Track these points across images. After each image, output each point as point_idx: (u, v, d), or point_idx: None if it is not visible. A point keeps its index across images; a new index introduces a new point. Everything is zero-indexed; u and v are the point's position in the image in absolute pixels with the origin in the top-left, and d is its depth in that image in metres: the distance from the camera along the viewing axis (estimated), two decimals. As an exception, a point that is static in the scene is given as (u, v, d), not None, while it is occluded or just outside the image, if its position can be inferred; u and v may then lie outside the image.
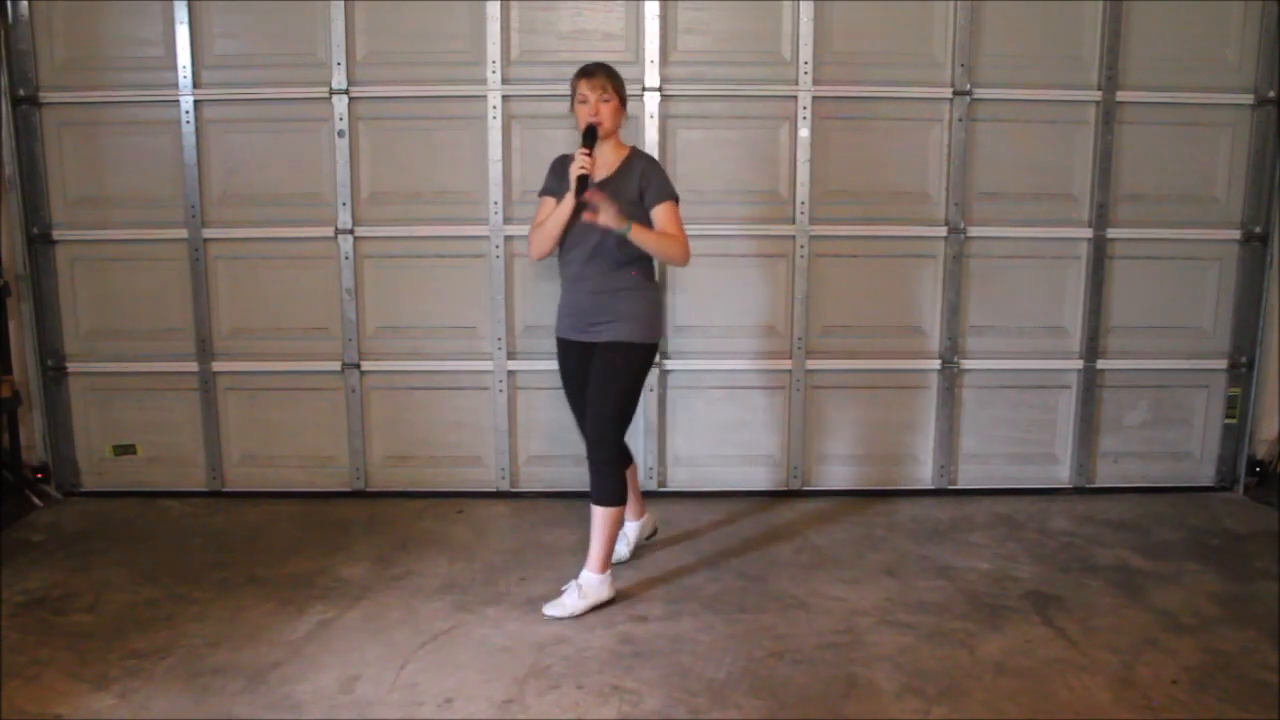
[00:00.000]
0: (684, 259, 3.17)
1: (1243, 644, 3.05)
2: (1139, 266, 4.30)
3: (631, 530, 3.65)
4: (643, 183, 3.16)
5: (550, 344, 4.24)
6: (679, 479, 4.35)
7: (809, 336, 4.27)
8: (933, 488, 4.39)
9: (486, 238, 4.18)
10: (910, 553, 3.76)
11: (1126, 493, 4.39)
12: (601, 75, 3.14)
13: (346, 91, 4.08)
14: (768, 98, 4.12)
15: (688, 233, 3.20)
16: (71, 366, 4.29)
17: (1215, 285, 4.35)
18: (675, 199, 3.18)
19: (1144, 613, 3.27)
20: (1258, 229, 4.27)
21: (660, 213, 3.14)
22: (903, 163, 4.20)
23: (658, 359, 4.11)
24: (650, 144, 4.06)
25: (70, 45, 4.09)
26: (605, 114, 3.12)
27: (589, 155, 3.09)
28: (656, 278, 3.32)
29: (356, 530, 3.97)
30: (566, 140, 4.13)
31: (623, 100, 3.17)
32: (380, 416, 4.33)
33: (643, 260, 3.19)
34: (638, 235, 3.07)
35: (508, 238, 4.18)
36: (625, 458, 3.36)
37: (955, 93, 4.13)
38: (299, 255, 4.22)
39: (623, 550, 3.59)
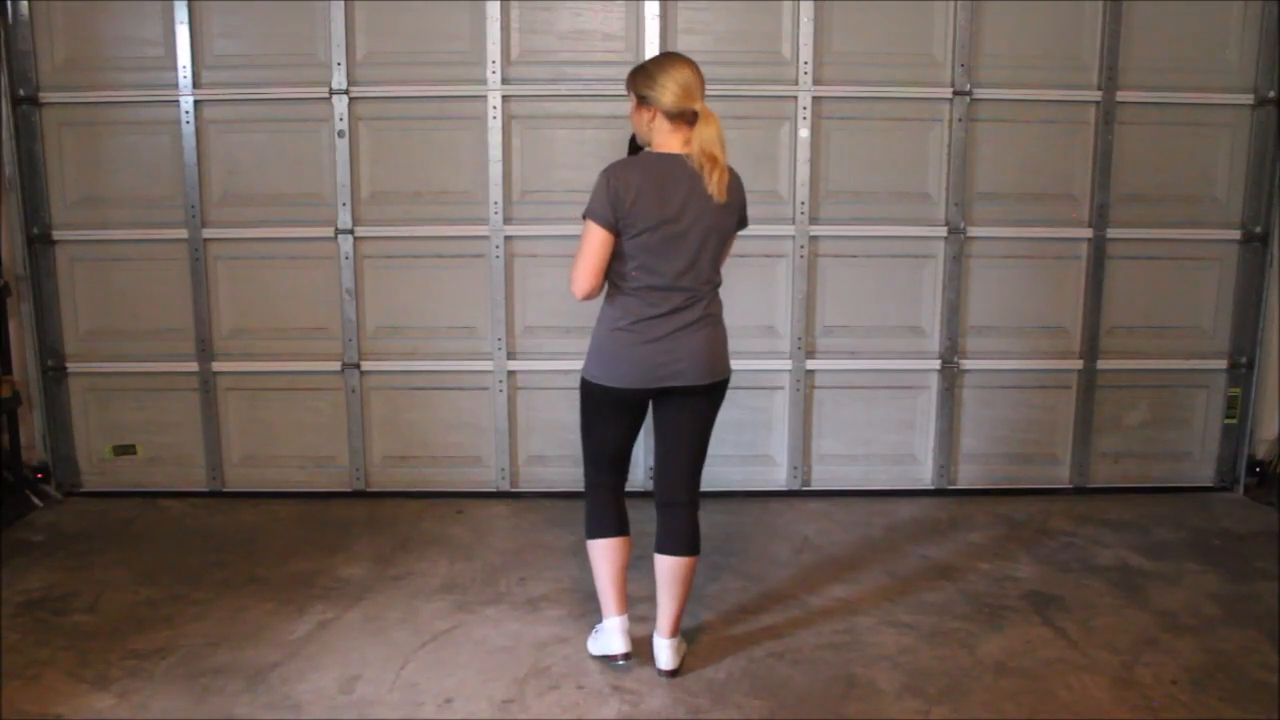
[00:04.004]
0: (572, 292, 2.67)
1: (1243, 644, 3.05)
2: (1139, 266, 4.30)
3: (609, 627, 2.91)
4: None
5: (550, 344, 4.27)
6: (679, 479, 4.35)
7: (809, 336, 4.28)
8: (933, 488, 4.38)
9: (486, 238, 4.18)
10: (910, 553, 3.76)
11: (1126, 493, 4.39)
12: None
13: (346, 91, 4.08)
14: (768, 98, 4.12)
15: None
16: (71, 366, 4.29)
17: (1215, 285, 4.35)
18: (587, 216, 2.65)
19: (1144, 613, 3.27)
20: (1258, 229, 4.27)
21: None
22: (903, 163, 4.20)
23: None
24: (650, 144, 4.06)
25: (70, 45, 4.09)
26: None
27: None
28: (631, 317, 2.69)
29: (356, 530, 3.97)
30: (567, 140, 4.15)
31: (642, 99, 2.66)
32: (380, 416, 4.33)
33: (617, 288, 2.73)
34: None
35: (508, 238, 4.18)
36: (603, 511, 2.88)
37: (955, 93, 4.13)
38: (299, 255, 4.21)
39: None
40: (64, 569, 3.58)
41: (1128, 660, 2.95)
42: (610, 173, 2.65)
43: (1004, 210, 4.24)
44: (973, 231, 4.23)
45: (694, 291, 2.70)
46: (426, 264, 4.23)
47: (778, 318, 4.27)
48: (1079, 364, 4.35)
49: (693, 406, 2.79)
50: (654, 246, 2.64)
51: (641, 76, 2.68)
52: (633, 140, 2.79)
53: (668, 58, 2.75)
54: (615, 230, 2.63)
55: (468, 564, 3.64)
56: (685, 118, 2.65)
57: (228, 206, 4.19)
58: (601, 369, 2.76)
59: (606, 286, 2.74)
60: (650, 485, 4.29)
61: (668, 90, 2.62)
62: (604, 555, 2.86)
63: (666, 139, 2.68)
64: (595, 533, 2.87)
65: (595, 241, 2.63)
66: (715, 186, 2.65)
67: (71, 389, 4.31)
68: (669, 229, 2.63)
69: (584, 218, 2.65)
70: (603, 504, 2.88)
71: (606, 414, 2.82)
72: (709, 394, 2.80)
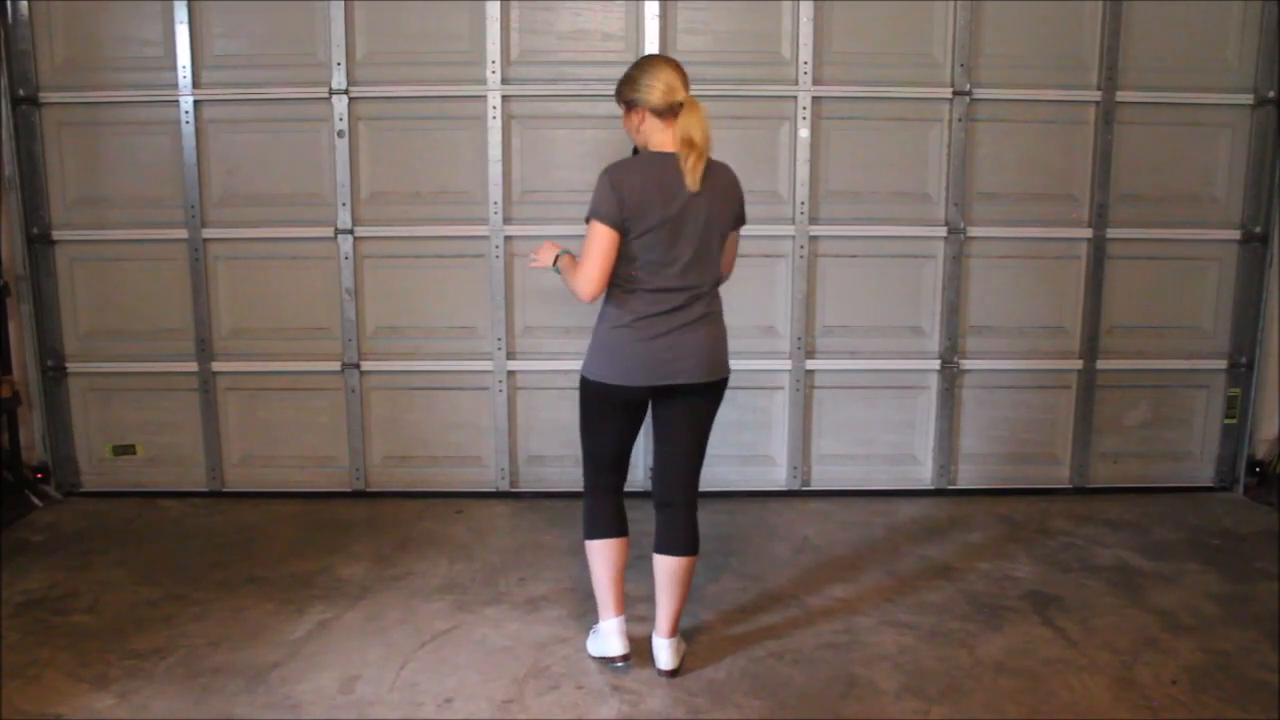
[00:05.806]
0: (577, 293, 2.65)
1: (1243, 644, 3.05)
2: (1139, 266, 4.30)
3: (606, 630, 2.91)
4: None
5: (550, 344, 4.28)
6: (679, 479, 4.35)
7: (809, 336, 4.28)
8: (933, 488, 4.39)
9: (486, 238, 4.18)
10: (910, 553, 3.76)
11: (1126, 493, 4.39)
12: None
13: (346, 91, 4.08)
14: (767, 98, 4.12)
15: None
16: (71, 366, 4.29)
17: (1215, 285, 4.35)
18: (594, 217, 2.62)
19: (1144, 613, 3.27)
20: (1258, 229, 4.27)
21: None
22: (903, 163, 4.20)
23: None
24: (650, 144, 4.06)
25: (70, 45, 4.09)
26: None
27: None
28: (633, 315, 2.68)
29: (356, 530, 3.97)
30: (567, 140, 4.15)
31: (630, 103, 2.70)
32: (380, 416, 4.33)
33: (619, 287, 2.70)
34: (562, 270, 2.78)
35: (508, 238, 4.18)
36: (602, 512, 2.86)
37: (955, 93, 4.13)
38: (299, 255, 4.22)
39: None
40: (64, 569, 3.58)
41: (1128, 660, 2.96)
42: (611, 173, 2.64)
43: (1004, 210, 4.24)
44: (972, 231, 4.23)
45: (694, 289, 2.70)
46: (426, 264, 4.23)
47: (777, 318, 4.27)
48: (1079, 364, 4.35)
49: (692, 405, 2.79)
50: (657, 245, 2.63)
51: (625, 82, 2.72)
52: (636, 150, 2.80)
53: (646, 59, 2.79)
54: (622, 230, 2.61)
55: (467, 564, 3.64)
56: (675, 114, 2.65)
57: (227, 206, 4.19)
58: (603, 367, 2.74)
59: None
60: (649, 485, 4.31)
61: (652, 89, 2.65)
62: (603, 556, 2.84)
63: (661, 138, 2.68)
64: (594, 534, 2.85)
65: (604, 242, 2.61)
66: (691, 174, 2.62)
67: (71, 389, 4.31)
68: (671, 228, 2.63)
69: (588, 219, 2.63)
70: (601, 505, 2.86)
71: (607, 413, 2.80)
72: (708, 393, 2.80)
